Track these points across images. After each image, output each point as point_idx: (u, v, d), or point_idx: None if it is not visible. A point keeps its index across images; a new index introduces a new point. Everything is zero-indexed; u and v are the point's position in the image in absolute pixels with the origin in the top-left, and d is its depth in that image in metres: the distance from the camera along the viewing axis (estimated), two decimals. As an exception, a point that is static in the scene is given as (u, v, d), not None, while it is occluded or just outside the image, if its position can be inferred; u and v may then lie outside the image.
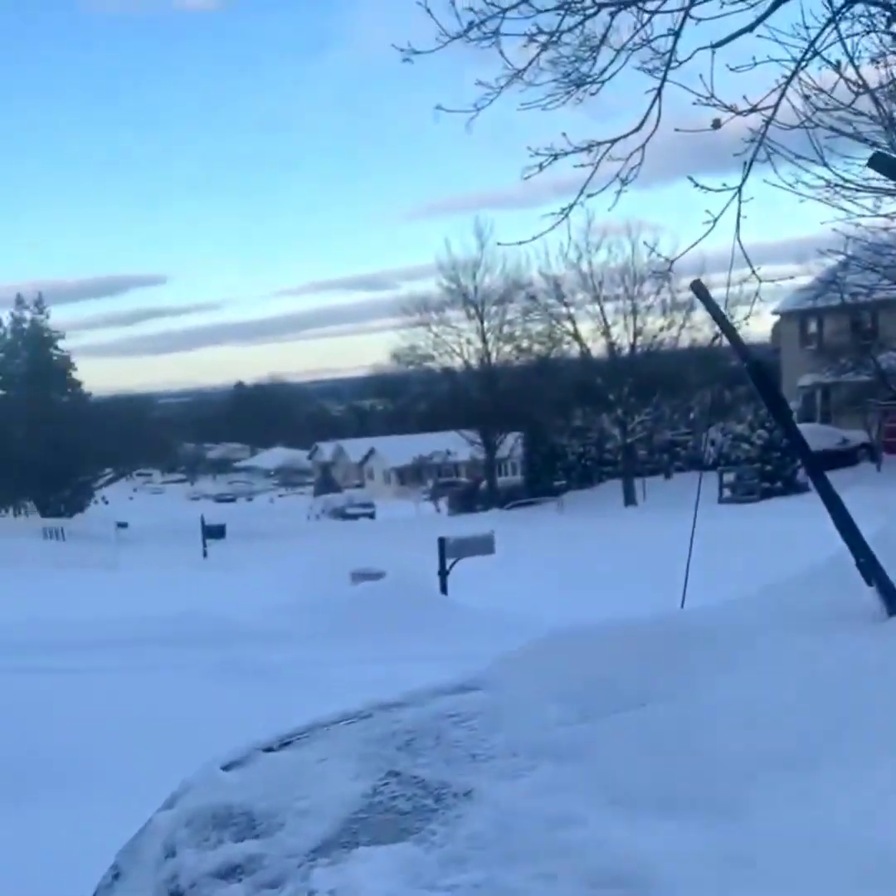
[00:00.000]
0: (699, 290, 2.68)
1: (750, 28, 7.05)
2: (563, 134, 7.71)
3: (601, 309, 44.94)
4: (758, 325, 46.70)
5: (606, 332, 45.22)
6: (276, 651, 10.38)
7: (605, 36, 7.50)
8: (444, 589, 15.26)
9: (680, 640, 2.76)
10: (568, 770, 2.12)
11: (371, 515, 53.24)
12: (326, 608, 13.29)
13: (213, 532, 34.54)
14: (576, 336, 46.34)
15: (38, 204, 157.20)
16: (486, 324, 49.35)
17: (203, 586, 20.05)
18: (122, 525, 40.67)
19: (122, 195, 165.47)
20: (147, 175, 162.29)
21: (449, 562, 15.70)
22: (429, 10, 7.12)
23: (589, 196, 8.09)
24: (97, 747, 5.08)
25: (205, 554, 32.59)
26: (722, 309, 2.80)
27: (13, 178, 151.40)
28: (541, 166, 7.98)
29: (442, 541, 15.82)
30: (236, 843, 2.20)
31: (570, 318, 46.17)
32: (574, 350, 47.14)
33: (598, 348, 46.17)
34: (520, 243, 8.76)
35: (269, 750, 2.77)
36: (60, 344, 65.24)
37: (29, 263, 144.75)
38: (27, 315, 65.43)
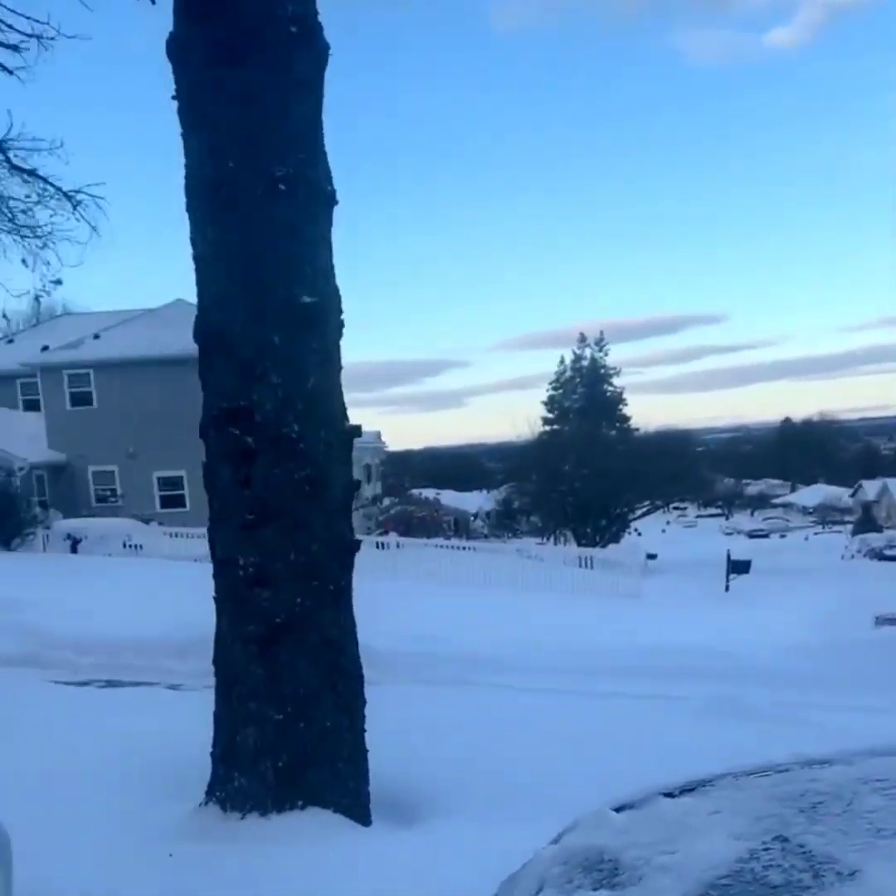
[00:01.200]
0: None
1: None
2: None
3: None
4: None
5: None
6: (777, 692, 9.87)
7: None
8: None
9: None
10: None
11: (910, 558, 49.37)
12: (840, 652, 12.48)
13: (739, 567, 33.97)
14: None
15: (614, 249, 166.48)
16: None
17: (719, 621, 19.72)
18: (651, 556, 41.26)
19: (692, 239, 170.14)
20: (713, 221, 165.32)
21: None
22: None
23: None
24: (556, 769, 5.10)
25: (727, 588, 32.10)
26: None
27: (594, 223, 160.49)
28: None
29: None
30: (592, 891, 2.05)
31: None
32: None
33: None
34: None
35: (668, 795, 2.58)
36: (615, 380, 68.50)
37: (597, 304, 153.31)
38: (587, 353, 69.65)
